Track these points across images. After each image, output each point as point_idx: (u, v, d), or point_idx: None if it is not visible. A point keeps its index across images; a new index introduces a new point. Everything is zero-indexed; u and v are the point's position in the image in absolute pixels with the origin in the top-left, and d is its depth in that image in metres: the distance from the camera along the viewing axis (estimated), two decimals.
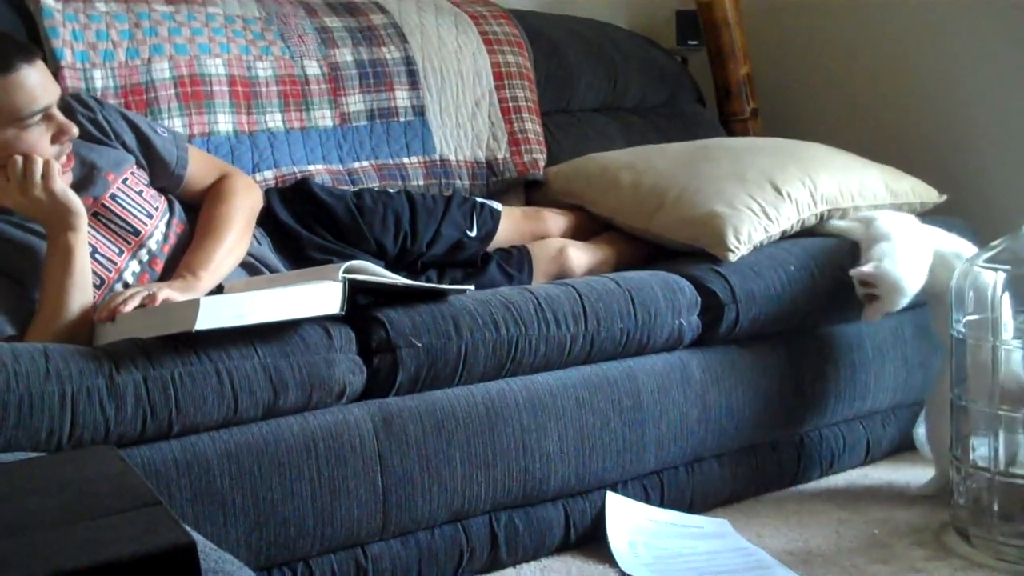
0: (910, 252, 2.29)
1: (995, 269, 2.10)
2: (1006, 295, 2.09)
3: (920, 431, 2.45)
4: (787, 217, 2.46)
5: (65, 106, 1.96)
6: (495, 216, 2.52)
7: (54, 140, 1.88)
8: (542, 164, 2.86)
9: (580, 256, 2.48)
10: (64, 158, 1.90)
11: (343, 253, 2.22)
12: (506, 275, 2.38)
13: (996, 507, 2.10)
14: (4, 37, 1.89)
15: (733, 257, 2.35)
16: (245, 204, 2.15)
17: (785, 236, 2.49)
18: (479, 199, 2.56)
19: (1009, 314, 2.09)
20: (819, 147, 2.75)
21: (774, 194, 2.47)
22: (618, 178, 2.64)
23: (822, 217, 2.54)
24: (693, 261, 2.38)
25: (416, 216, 2.38)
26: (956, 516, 2.18)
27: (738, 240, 2.36)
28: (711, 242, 2.38)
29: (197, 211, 2.14)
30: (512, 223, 2.56)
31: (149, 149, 2.11)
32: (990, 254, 2.14)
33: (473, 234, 2.44)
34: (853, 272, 2.30)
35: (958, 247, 2.35)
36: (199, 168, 2.19)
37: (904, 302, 2.28)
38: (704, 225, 2.41)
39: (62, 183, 1.85)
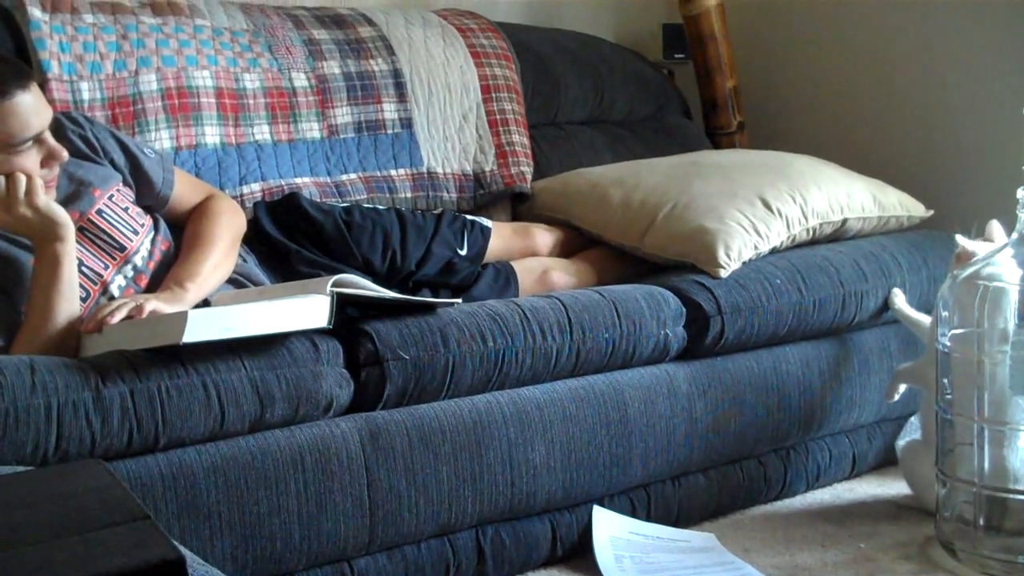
0: None
1: (979, 283, 2.11)
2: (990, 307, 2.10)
3: (901, 443, 2.46)
4: (777, 234, 2.47)
5: (55, 123, 1.95)
6: (485, 234, 2.52)
7: (43, 164, 1.87)
8: (529, 177, 2.86)
9: (563, 277, 2.49)
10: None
11: (331, 268, 2.22)
12: (493, 293, 2.37)
13: (981, 521, 2.10)
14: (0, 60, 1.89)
15: (724, 273, 2.35)
16: (231, 225, 2.15)
17: (775, 252, 2.50)
18: (469, 217, 2.56)
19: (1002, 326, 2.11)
20: (807, 160, 2.76)
21: (764, 211, 2.48)
22: (608, 194, 2.64)
23: (813, 232, 2.55)
24: (679, 275, 2.38)
25: (406, 234, 2.38)
26: (942, 530, 2.19)
27: (729, 256, 2.37)
28: (702, 258, 2.38)
29: (182, 230, 2.14)
30: (501, 239, 2.56)
31: (137, 168, 2.11)
32: (975, 268, 2.15)
33: (464, 252, 2.44)
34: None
35: None
36: (185, 189, 2.19)
37: None
38: (695, 241, 2.41)
39: (45, 197, 1.84)
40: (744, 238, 2.41)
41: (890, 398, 2.47)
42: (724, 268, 2.36)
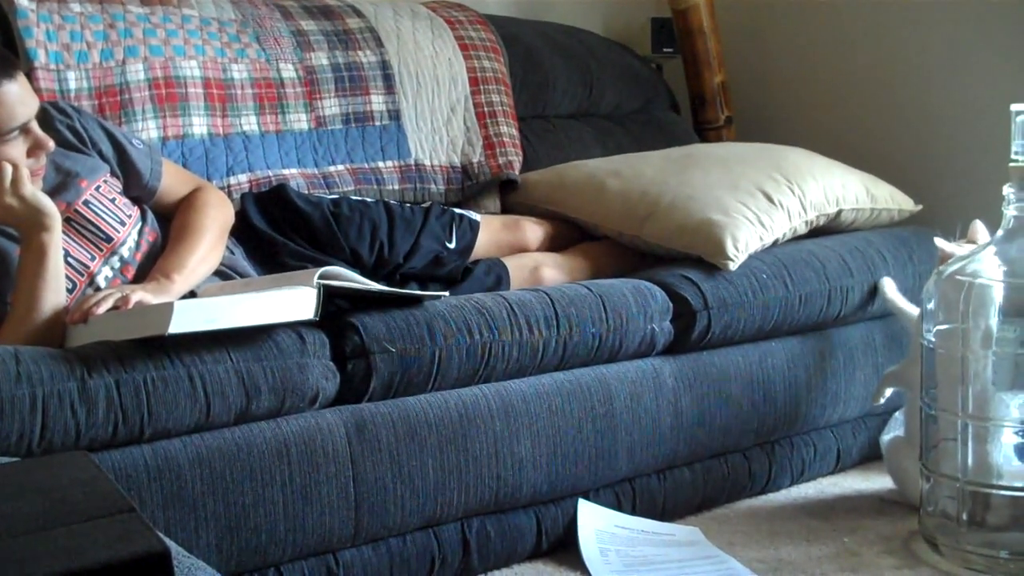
0: None
1: (964, 280, 2.12)
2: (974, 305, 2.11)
3: (886, 438, 2.47)
4: (780, 226, 2.48)
5: (42, 113, 1.94)
6: (474, 227, 2.51)
7: (30, 154, 1.86)
8: (518, 165, 2.86)
9: (554, 273, 2.48)
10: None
11: (318, 260, 2.21)
12: (484, 290, 2.37)
13: (964, 516, 2.11)
14: None
15: (733, 266, 2.35)
16: (219, 216, 2.15)
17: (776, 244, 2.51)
18: (458, 210, 2.55)
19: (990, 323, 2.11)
20: (800, 152, 2.76)
21: (766, 202, 2.48)
22: (605, 184, 2.63)
23: (810, 224, 2.56)
24: (668, 269, 2.38)
25: (393, 227, 2.38)
26: (925, 525, 2.20)
27: (737, 249, 2.36)
28: (710, 251, 2.37)
29: (170, 221, 2.13)
30: (490, 233, 2.55)
31: (124, 159, 2.11)
32: (960, 265, 2.16)
33: (452, 246, 2.44)
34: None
35: None
36: (173, 181, 2.18)
37: None
38: (701, 233, 2.40)
39: (32, 187, 1.84)
40: (750, 230, 2.40)
41: (876, 401, 2.47)
42: (733, 261, 2.35)
